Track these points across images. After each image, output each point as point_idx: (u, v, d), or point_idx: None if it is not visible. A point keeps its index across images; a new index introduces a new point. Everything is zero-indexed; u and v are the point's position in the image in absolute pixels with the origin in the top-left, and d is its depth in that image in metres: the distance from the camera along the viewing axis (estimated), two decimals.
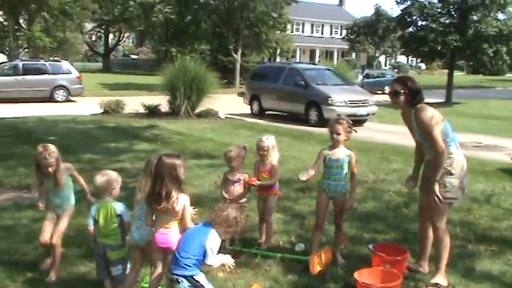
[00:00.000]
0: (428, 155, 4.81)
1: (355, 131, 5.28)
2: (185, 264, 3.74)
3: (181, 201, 3.97)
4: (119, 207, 4.30)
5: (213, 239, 3.78)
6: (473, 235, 6.07)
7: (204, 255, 3.75)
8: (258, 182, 5.39)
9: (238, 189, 5.39)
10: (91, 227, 4.32)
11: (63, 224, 4.90)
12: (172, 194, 3.92)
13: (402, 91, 4.71)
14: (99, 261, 4.42)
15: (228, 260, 3.94)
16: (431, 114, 4.61)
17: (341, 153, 5.08)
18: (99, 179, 4.31)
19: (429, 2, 27.06)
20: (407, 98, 4.72)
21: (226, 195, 5.36)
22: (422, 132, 4.67)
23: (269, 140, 5.47)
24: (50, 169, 4.70)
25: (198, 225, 3.97)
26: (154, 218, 4.12)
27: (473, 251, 5.61)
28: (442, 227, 4.76)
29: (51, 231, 4.84)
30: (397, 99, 4.75)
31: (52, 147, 4.74)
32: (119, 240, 4.33)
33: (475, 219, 6.73)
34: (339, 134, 5.04)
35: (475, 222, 6.59)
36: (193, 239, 3.80)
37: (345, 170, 5.09)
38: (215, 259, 3.81)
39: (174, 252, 3.86)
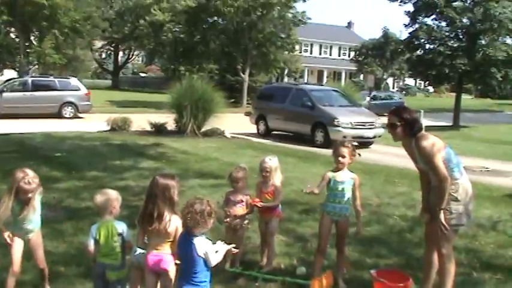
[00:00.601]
0: (433, 182, 4.76)
1: (359, 155, 5.24)
2: (199, 282, 3.70)
3: (173, 223, 3.90)
4: (120, 226, 4.25)
5: (201, 245, 3.68)
6: (478, 262, 5.97)
7: (206, 262, 3.69)
8: (262, 204, 5.35)
9: (239, 210, 5.35)
10: (91, 247, 4.24)
11: (41, 248, 4.85)
12: (164, 215, 3.86)
13: (399, 123, 4.70)
14: (97, 282, 4.34)
15: (225, 248, 3.84)
16: (431, 142, 4.59)
17: (345, 176, 5.06)
18: (99, 198, 4.27)
19: (437, 26, 27.12)
20: (405, 130, 4.70)
21: (228, 212, 5.30)
22: (424, 160, 4.64)
23: (272, 161, 5.45)
24: (30, 195, 4.53)
25: (180, 242, 3.84)
26: (146, 239, 4.08)
27: (478, 278, 5.52)
28: (448, 253, 4.70)
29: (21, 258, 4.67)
30: (395, 132, 4.75)
31: (32, 173, 4.62)
32: (119, 260, 4.26)
33: (480, 246, 6.63)
34: (343, 156, 5.03)
35: (480, 249, 6.49)
36: (187, 259, 3.73)
37: (349, 193, 5.06)
38: (216, 257, 3.74)
39: (166, 275, 3.81)
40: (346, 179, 5.06)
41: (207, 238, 3.76)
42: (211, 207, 3.74)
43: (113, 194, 4.32)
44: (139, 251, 4.20)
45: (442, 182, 4.51)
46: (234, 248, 3.99)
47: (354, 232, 5.23)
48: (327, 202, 5.15)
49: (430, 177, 4.79)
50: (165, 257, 3.95)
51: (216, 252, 3.74)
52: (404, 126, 4.70)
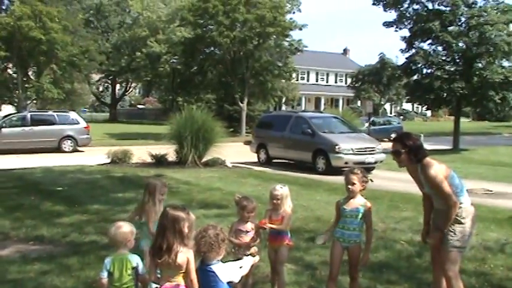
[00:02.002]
0: (437, 205, 4.80)
1: (371, 181, 5.26)
2: None
3: (184, 255, 3.85)
4: (135, 259, 4.18)
5: (222, 271, 3.68)
6: (489, 286, 5.92)
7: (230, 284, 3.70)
8: (269, 225, 5.29)
9: (249, 239, 5.28)
10: (105, 280, 4.13)
11: None
12: (173, 247, 3.82)
13: (403, 150, 4.77)
14: None
15: (251, 260, 3.88)
16: (438, 169, 4.67)
17: (356, 203, 5.05)
18: (114, 231, 4.20)
19: (434, 50, 27.35)
20: (410, 156, 4.78)
21: (236, 241, 5.22)
22: (431, 187, 4.67)
23: (283, 189, 5.41)
24: None
25: (199, 273, 3.82)
26: (158, 272, 4.04)
27: None
28: (455, 276, 4.72)
29: None
30: (400, 159, 4.82)
31: None
32: None
33: (490, 269, 6.58)
34: (353, 184, 5.03)
35: (490, 272, 6.44)
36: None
37: (360, 220, 5.04)
38: (241, 271, 3.77)
39: None
40: (355, 205, 5.04)
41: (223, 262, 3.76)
42: (224, 234, 3.78)
43: (128, 227, 4.27)
44: (154, 286, 4.14)
45: (451, 207, 4.60)
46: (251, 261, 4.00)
47: (360, 259, 5.15)
48: (336, 228, 5.14)
49: (434, 201, 4.83)
50: (175, 286, 3.89)
51: (241, 267, 3.75)
52: (409, 153, 4.76)
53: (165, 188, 5.69)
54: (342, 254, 5.11)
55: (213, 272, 3.66)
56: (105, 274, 4.14)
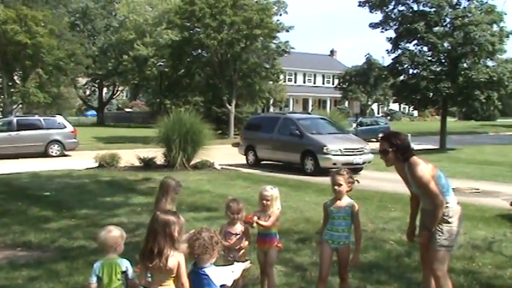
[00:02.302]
0: (424, 205, 4.84)
1: (358, 182, 5.26)
2: None
3: (174, 258, 3.84)
4: (124, 263, 4.14)
5: (215, 275, 3.70)
6: (477, 284, 5.96)
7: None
8: (255, 220, 5.26)
9: (239, 242, 5.27)
10: (94, 285, 4.10)
11: None
12: (164, 251, 3.82)
13: (390, 149, 4.81)
14: None
15: (242, 266, 3.94)
16: (424, 168, 4.70)
17: (343, 204, 5.06)
18: (104, 235, 4.16)
19: (419, 51, 27.54)
20: (397, 155, 4.81)
21: (225, 243, 5.19)
22: (418, 186, 4.71)
23: (273, 190, 5.42)
24: None
25: (192, 276, 3.82)
26: (149, 276, 4.02)
27: None
28: (443, 275, 4.74)
29: None
30: (387, 158, 4.87)
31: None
32: None
33: (478, 267, 6.63)
34: (340, 185, 5.03)
35: (478, 271, 6.49)
36: None
37: (348, 221, 5.05)
38: (233, 276, 3.80)
39: None
40: (342, 207, 5.05)
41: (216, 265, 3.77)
42: (218, 237, 3.81)
43: (118, 231, 4.23)
44: None
45: (438, 207, 4.64)
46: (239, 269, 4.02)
47: (350, 260, 5.17)
48: (325, 230, 5.14)
49: (421, 201, 4.87)
50: None
51: (233, 272, 3.75)
52: (396, 152, 4.80)
53: (180, 188, 5.71)
54: (332, 255, 5.12)
55: (207, 275, 3.67)
56: (94, 279, 4.10)
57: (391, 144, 4.80)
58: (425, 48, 27.31)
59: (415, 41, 27.40)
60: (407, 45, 27.97)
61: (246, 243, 5.26)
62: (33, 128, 24.68)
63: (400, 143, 4.81)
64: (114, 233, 4.19)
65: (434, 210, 4.64)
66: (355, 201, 5.14)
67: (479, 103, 27.07)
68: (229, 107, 38.65)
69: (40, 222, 9.28)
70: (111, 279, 4.10)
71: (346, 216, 5.04)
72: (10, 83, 39.43)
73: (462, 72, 25.81)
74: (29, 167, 18.74)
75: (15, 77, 40.87)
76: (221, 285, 3.77)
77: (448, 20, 26.71)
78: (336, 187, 5.04)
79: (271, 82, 44.76)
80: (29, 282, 6.01)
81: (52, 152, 24.58)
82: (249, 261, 4.04)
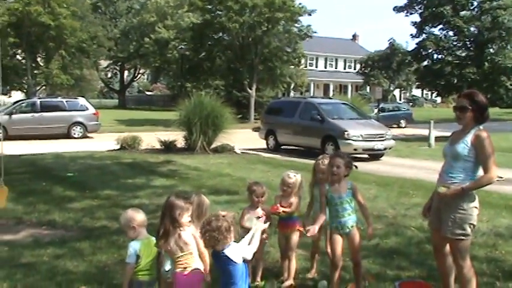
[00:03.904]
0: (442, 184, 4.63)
1: (356, 167, 5.20)
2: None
3: (188, 234, 3.91)
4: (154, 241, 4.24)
5: (234, 253, 3.73)
6: (500, 272, 5.90)
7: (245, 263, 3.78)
8: (282, 209, 5.28)
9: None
10: (133, 264, 4.15)
11: None
12: (170, 233, 3.90)
13: (470, 107, 4.51)
14: None
15: (255, 234, 3.96)
16: (491, 142, 4.49)
17: (342, 188, 4.98)
18: (140, 215, 4.29)
19: (445, 36, 27.17)
20: (475, 115, 4.51)
21: (247, 225, 5.19)
22: (478, 155, 4.49)
23: (297, 177, 5.39)
24: None
25: (213, 258, 3.88)
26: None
27: None
28: (467, 264, 4.59)
29: None
30: (464, 116, 4.53)
31: None
32: (155, 275, 4.25)
33: (501, 255, 6.56)
34: (338, 167, 4.92)
35: (501, 259, 6.42)
36: (225, 272, 3.76)
37: (352, 204, 4.99)
38: (250, 251, 3.82)
39: None
40: (343, 191, 4.97)
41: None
42: (228, 221, 3.74)
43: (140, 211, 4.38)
44: (168, 265, 4.15)
45: (489, 178, 4.47)
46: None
47: (367, 236, 5.11)
48: (331, 218, 5.06)
49: (444, 174, 4.67)
50: (194, 275, 3.93)
51: (249, 244, 3.83)
52: (475, 111, 4.49)
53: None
54: (342, 242, 5.04)
55: (226, 256, 3.70)
56: (134, 258, 4.15)
57: (472, 102, 4.49)
58: (450, 33, 26.97)
59: (441, 25, 27.08)
60: (433, 29, 27.69)
61: (268, 223, 5.29)
62: (56, 110, 24.99)
63: (482, 102, 4.52)
64: (142, 213, 4.34)
65: (481, 179, 4.47)
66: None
67: (504, 89, 26.65)
68: (249, 91, 38.59)
69: (64, 202, 9.42)
70: (149, 257, 4.19)
71: (349, 199, 4.98)
72: (34, 65, 39.86)
73: (488, 58, 25.45)
74: (52, 148, 19.00)
75: (39, 59, 41.29)
76: (243, 261, 3.79)
77: (475, 3, 26.26)
78: (335, 168, 4.92)
79: (292, 66, 44.49)
80: (54, 260, 6.12)
81: (74, 134, 24.88)
82: (263, 222, 4.05)
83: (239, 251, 3.73)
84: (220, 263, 3.76)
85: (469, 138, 4.52)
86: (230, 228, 3.73)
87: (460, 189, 4.46)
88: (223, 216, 3.77)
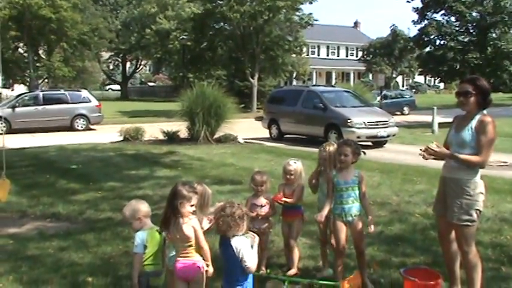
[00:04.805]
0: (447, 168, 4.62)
1: (364, 153, 5.18)
2: (243, 281, 3.81)
3: (189, 226, 3.88)
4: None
5: (238, 244, 3.74)
6: (506, 257, 5.89)
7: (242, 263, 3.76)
8: (284, 199, 5.30)
9: (264, 213, 5.29)
10: (141, 254, 4.13)
11: None
12: (170, 219, 3.90)
13: (474, 92, 4.46)
14: None
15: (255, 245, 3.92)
16: (495, 128, 4.46)
17: (349, 175, 4.99)
18: (144, 206, 4.30)
19: (447, 21, 27.01)
20: (478, 100, 4.48)
21: (251, 214, 5.18)
22: (479, 140, 4.45)
23: (297, 164, 5.40)
24: None
25: (220, 245, 3.91)
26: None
27: (508, 273, 5.43)
28: (472, 250, 4.57)
29: None
30: (467, 101, 4.48)
31: None
32: (161, 265, 4.26)
33: (506, 240, 6.55)
34: (346, 155, 4.94)
35: (506, 244, 6.41)
36: (228, 261, 3.79)
37: (356, 192, 4.98)
38: (254, 253, 3.82)
39: (195, 283, 3.89)
40: (349, 178, 4.98)
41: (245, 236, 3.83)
42: (243, 210, 3.82)
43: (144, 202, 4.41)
44: (173, 252, 4.16)
45: (479, 162, 4.43)
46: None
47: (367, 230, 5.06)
48: (335, 205, 5.06)
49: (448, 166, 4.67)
50: (192, 265, 3.93)
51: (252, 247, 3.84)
52: (478, 96, 4.46)
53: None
54: (346, 230, 5.03)
55: (231, 245, 3.72)
56: (141, 249, 4.14)
57: (475, 87, 4.45)
58: (452, 18, 26.83)
59: (443, 11, 26.90)
60: (434, 15, 27.49)
61: (272, 212, 5.30)
62: (58, 102, 24.98)
63: (484, 87, 4.48)
64: (146, 204, 4.36)
65: (473, 158, 4.41)
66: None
67: (507, 74, 26.53)
68: (252, 80, 38.51)
69: (68, 195, 9.44)
70: (156, 248, 4.19)
71: (354, 186, 4.98)
72: (36, 58, 39.84)
73: (491, 43, 25.31)
74: (56, 140, 19.02)
75: (41, 52, 41.27)
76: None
77: None
78: (343, 157, 4.95)
79: (294, 55, 44.34)
80: (59, 252, 6.14)
81: (77, 126, 24.89)
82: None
83: (244, 246, 3.76)
84: (226, 251, 3.78)
85: (473, 124, 4.49)
86: (244, 216, 3.80)
87: (449, 153, 4.49)
88: (238, 204, 3.89)
